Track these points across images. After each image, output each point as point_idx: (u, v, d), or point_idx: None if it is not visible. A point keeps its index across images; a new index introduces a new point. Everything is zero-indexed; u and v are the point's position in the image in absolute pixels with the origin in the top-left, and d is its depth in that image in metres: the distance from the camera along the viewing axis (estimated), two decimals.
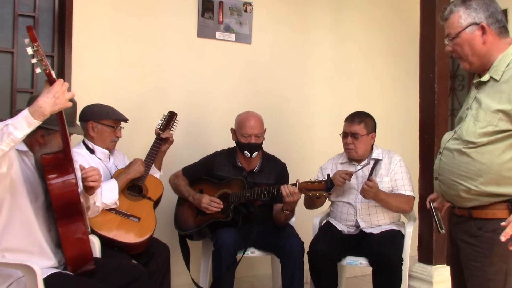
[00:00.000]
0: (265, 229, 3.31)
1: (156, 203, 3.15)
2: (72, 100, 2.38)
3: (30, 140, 2.30)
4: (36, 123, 2.00)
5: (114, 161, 3.15)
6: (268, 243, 3.30)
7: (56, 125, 2.19)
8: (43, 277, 2.14)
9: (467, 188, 2.00)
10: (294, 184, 3.08)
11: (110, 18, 3.59)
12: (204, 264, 3.49)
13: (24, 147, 2.31)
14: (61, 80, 2.03)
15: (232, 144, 3.52)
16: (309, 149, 4.30)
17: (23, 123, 1.97)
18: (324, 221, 3.48)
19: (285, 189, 3.06)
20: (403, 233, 3.26)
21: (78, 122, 2.80)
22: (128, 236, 2.90)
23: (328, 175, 3.10)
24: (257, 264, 4.05)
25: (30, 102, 2.26)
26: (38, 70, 2.01)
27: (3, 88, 3.37)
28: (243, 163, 3.46)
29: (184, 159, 3.57)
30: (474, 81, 2.12)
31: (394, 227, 3.29)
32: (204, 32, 3.92)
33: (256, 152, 3.39)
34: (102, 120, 3.03)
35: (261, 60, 4.15)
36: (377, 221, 3.27)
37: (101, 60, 3.56)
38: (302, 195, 3.18)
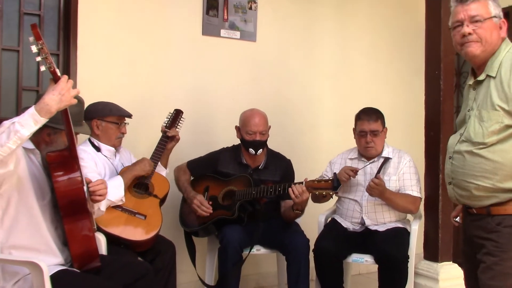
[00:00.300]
0: (271, 226, 3.31)
1: (162, 201, 3.16)
2: (79, 99, 2.39)
3: (37, 138, 2.31)
4: (43, 120, 2.00)
5: (120, 159, 3.16)
6: (273, 240, 3.30)
7: (62, 124, 2.20)
8: (50, 274, 2.15)
9: (484, 187, 2.01)
10: (301, 183, 3.08)
11: (115, 16, 3.60)
12: (209, 261, 3.50)
13: (30, 145, 2.32)
14: (66, 77, 2.04)
15: (237, 141, 3.52)
16: (313, 147, 4.30)
17: (30, 121, 1.98)
18: (330, 219, 3.48)
19: (293, 191, 3.05)
20: (409, 230, 3.26)
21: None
22: (134, 233, 2.90)
23: (334, 174, 3.10)
24: (262, 261, 4.05)
25: (37, 101, 2.26)
26: (42, 68, 2.02)
27: (9, 86, 3.38)
28: (248, 160, 3.46)
29: (190, 156, 3.58)
30: (470, 83, 2.14)
31: (400, 225, 3.28)
32: (209, 30, 3.92)
33: (261, 149, 3.39)
34: (106, 117, 3.03)
35: (266, 58, 4.14)
36: (382, 219, 3.27)
37: (106, 58, 3.56)
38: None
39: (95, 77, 3.50)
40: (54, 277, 2.17)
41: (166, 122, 3.30)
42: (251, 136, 3.35)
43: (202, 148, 3.68)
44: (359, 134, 3.33)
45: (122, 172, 3.02)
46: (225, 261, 3.11)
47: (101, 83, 3.51)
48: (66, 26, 3.49)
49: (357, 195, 3.31)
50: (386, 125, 3.38)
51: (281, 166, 3.50)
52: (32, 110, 1.99)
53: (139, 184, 3.09)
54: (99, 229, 2.74)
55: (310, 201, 3.28)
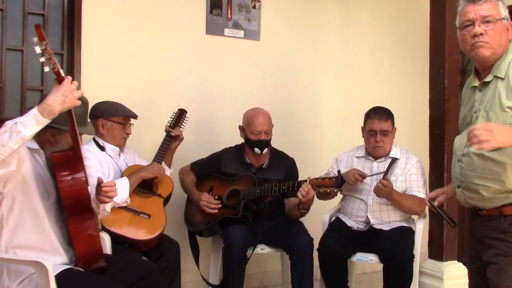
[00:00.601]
0: (275, 225, 3.31)
1: (166, 200, 3.16)
2: (84, 100, 2.40)
3: (41, 138, 2.32)
4: (45, 121, 2.00)
5: (124, 159, 3.16)
6: (277, 239, 3.30)
7: (66, 125, 2.20)
8: (55, 274, 2.16)
9: (495, 189, 2.00)
10: (305, 181, 3.08)
11: (119, 16, 3.60)
12: (214, 260, 3.50)
13: (35, 145, 2.32)
14: (70, 78, 2.04)
15: (241, 140, 3.52)
16: (318, 146, 4.29)
17: (32, 122, 1.98)
18: (334, 217, 3.47)
19: (300, 192, 3.05)
20: (414, 229, 3.25)
21: (89, 120, 2.80)
22: (139, 233, 2.91)
23: (339, 171, 3.10)
24: (266, 260, 4.05)
25: (41, 101, 2.27)
26: (46, 69, 2.02)
27: (13, 86, 3.39)
28: (252, 159, 3.46)
29: (194, 156, 3.58)
30: (476, 84, 2.12)
31: (404, 224, 3.27)
32: (213, 29, 3.92)
33: (266, 149, 3.38)
34: (112, 117, 3.04)
35: (270, 57, 4.14)
36: (387, 218, 3.26)
37: (110, 57, 3.57)
38: None
39: (99, 77, 3.51)
40: (59, 277, 2.18)
41: (170, 121, 3.30)
42: (256, 136, 3.34)
43: (206, 147, 3.68)
44: (369, 133, 3.30)
45: (128, 173, 3.02)
46: (229, 260, 3.11)
47: (105, 82, 3.52)
48: (70, 26, 3.50)
49: (363, 194, 3.30)
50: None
51: (284, 165, 3.49)
52: (34, 111, 1.99)
53: (143, 184, 3.09)
54: (103, 229, 2.74)
55: (314, 200, 3.28)
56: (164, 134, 3.26)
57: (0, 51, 3.34)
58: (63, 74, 2.04)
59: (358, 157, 3.41)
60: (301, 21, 4.27)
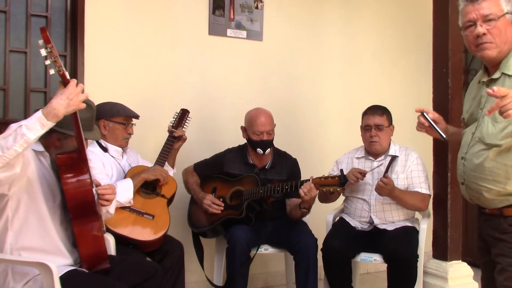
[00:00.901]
0: (279, 226, 3.31)
1: (170, 201, 3.16)
2: (91, 105, 2.39)
3: (47, 141, 2.31)
4: (50, 124, 2.00)
5: (127, 159, 3.16)
6: (281, 240, 3.30)
7: (72, 130, 2.20)
8: (60, 275, 2.16)
9: (496, 191, 1.99)
10: (307, 180, 3.08)
11: (122, 17, 3.61)
12: (218, 261, 3.50)
13: (40, 148, 2.32)
14: (75, 81, 2.03)
15: (243, 140, 3.52)
16: (321, 146, 4.29)
17: (37, 125, 1.97)
18: (337, 218, 3.47)
19: (302, 190, 3.05)
20: (418, 229, 3.24)
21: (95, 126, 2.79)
22: (143, 233, 2.91)
23: (341, 170, 3.10)
24: (270, 261, 4.05)
25: (47, 103, 2.27)
26: (52, 72, 2.01)
27: (16, 88, 3.40)
28: (255, 160, 3.46)
29: (197, 156, 3.58)
30: (484, 80, 2.09)
31: (408, 224, 3.27)
32: (215, 29, 3.92)
33: (269, 149, 3.38)
34: (113, 118, 3.04)
35: (273, 57, 4.14)
36: (391, 218, 3.26)
37: (113, 58, 3.58)
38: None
39: (102, 78, 3.52)
40: (64, 278, 2.18)
41: (173, 122, 3.30)
42: (259, 136, 3.34)
43: (209, 147, 3.68)
44: (364, 128, 3.33)
45: (131, 174, 3.02)
46: (233, 261, 3.11)
47: (108, 83, 3.53)
48: (73, 28, 3.50)
49: (365, 194, 3.30)
50: (393, 124, 3.37)
51: (287, 165, 3.49)
52: (39, 114, 1.99)
53: (147, 184, 3.09)
54: (107, 230, 2.74)
55: (317, 200, 3.28)
56: (167, 134, 3.26)
57: (4, 53, 3.36)
58: (68, 77, 2.03)
59: (358, 158, 3.42)
60: (304, 21, 4.27)
